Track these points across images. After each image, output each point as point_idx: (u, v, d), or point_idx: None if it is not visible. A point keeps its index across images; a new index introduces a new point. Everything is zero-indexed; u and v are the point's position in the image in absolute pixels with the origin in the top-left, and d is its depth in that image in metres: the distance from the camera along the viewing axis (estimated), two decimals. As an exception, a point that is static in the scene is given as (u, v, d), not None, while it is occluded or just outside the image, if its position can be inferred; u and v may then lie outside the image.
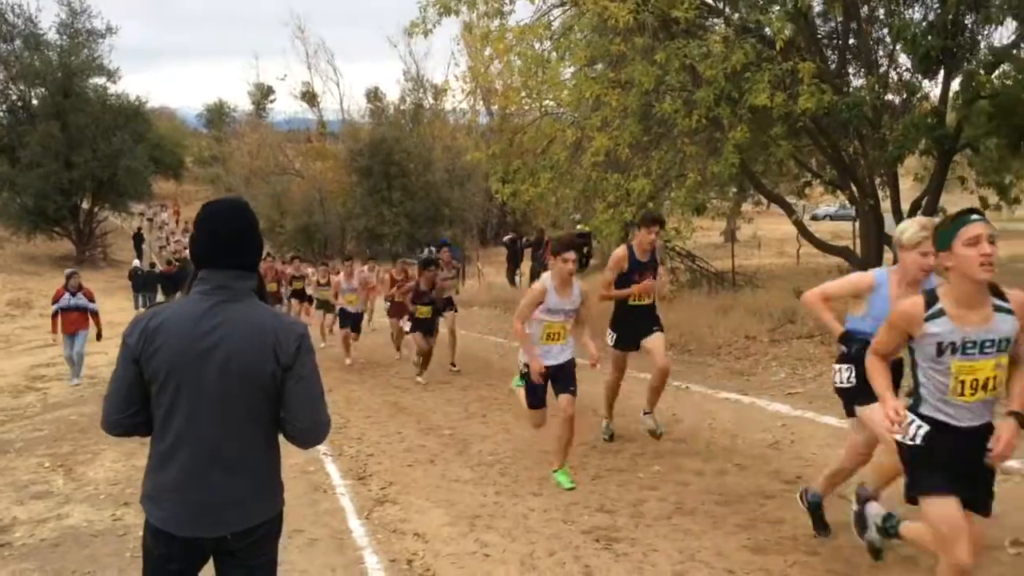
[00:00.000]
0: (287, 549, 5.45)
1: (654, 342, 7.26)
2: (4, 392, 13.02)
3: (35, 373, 14.99)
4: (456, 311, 12.90)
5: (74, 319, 13.78)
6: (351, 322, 13.95)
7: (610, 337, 7.51)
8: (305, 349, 2.80)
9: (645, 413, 7.49)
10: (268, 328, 2.75)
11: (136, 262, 32.33)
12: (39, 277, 32.56)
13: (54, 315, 13.74)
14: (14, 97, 36.47)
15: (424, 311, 11.61)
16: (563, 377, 6.46)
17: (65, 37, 36.11)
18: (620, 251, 7.20)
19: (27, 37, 35.51)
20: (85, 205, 38.09)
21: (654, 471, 6.73)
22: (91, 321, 13.90)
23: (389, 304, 14.57)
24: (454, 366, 12.42)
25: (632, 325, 7.33)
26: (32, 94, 36.34)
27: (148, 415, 2.77)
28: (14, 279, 31.16)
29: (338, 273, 15.42)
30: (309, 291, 17.82)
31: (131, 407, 2.75)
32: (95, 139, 35.15)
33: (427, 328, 11.77)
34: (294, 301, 18.29)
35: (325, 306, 16.03)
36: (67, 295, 13.80)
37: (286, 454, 7.64)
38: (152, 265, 31.67)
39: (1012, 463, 6.09)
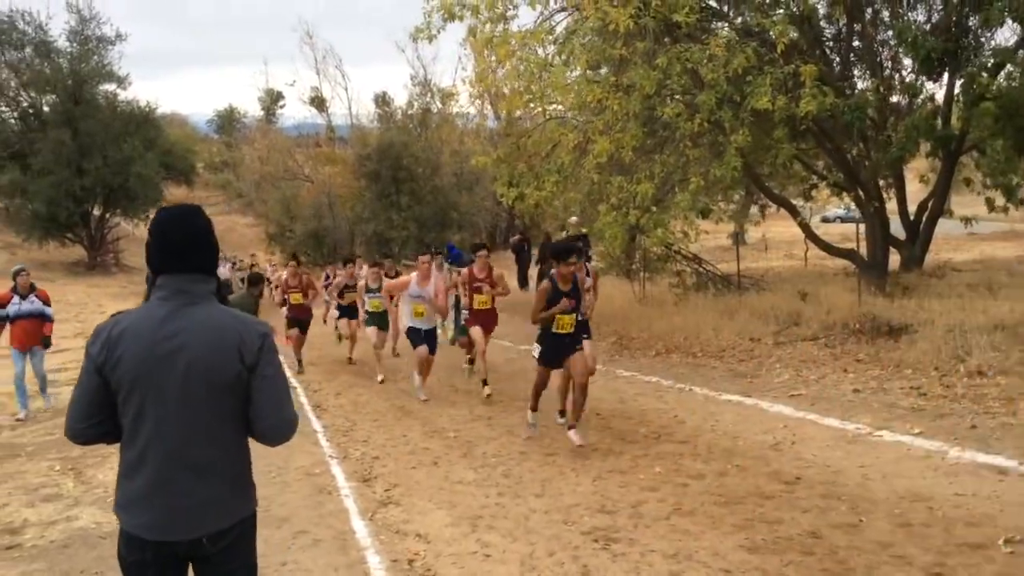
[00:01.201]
0: (291, 549, 5.56)
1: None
2: (15, 397, 13.09)
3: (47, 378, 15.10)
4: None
5: (28, 329, 11.02)
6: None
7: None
8: (268, 348, 2.80)
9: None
10: (230, 329, 2.76)
11: None
12: (52, 283, 32.70)
13: None
14: (25, 104, 36.69)
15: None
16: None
17: (75, 44, 36.32)
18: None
19: (37, 44, 35.73)
20: (96, 211, 38.30)
21: (655, 472, 6.79)
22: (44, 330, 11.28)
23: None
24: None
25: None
26: (43, 101, 36.53)
27: (113, 424, 2.77)
28: (26, 285, 31.38)
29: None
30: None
31: (94, 416, 2.75)
32: (106, 146, 35.32)
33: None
34: (341, 321, 14.67)
35: (380, 321, 12.72)
36: (16, 299, 10.97)
37: (293, 457, 7.75)
38: None
39: (1008, 462, 6.15)
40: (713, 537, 5.30)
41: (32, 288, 11.05)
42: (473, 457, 7.75)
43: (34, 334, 11.04)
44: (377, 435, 8.96)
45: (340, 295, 14.25)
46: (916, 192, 16.42)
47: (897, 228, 15.32)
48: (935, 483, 5.94)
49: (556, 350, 7.87)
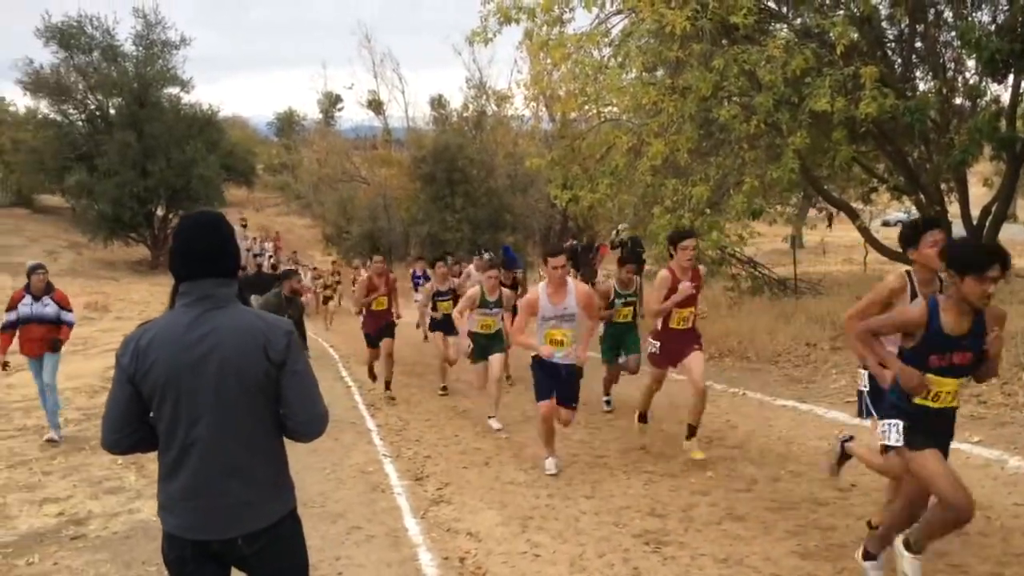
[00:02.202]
0: (345, 544, 5.65)
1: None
2: (81, 392, 13.44)
3: (111, 375, 15.46)
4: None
5: (39, 335, 9.40)
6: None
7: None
8: (294, 345, 2.85)
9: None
10: (256, 330, 2.81)
11: None
12: (115, 282, 33.60)
13: (4, 329, 9.53)
14: (92, 107, 37.66)
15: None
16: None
17: (141, 48, 37.18)
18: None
19: (105, 49, 36.66)
20: (160, 212, 39.18)
21: (707, 476, 6.76)
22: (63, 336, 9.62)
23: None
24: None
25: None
26: (109, 104, 37.46)
27: (147, 431, 2.84)
28: (91, 284, 32.20)
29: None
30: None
31: (128, 426, 2.82)
32: (169, 147, 36.11)
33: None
34: (437, 335, 11.72)
35: (490, 348, 9.78)
36: (28, 299, 9.45)
37: (348, 455, 7.88)
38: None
39: (988, 452, 6.05)
40: (765, 542, 5.27)
41: (49, 289, 9.59)
42: (523, 458, 7.79)
43: (44, 338, 9.45)
44: (429, 434, 9.05)
45: (432, 305, 11.75)
46: (979, 196, 16.02)
47: (959, 232, 14.99)
48: (994, 492, 5.82)
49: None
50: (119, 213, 35.52)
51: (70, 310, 9.84)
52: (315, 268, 33.07)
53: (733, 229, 15.92)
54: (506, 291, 10.10)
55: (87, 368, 16.72)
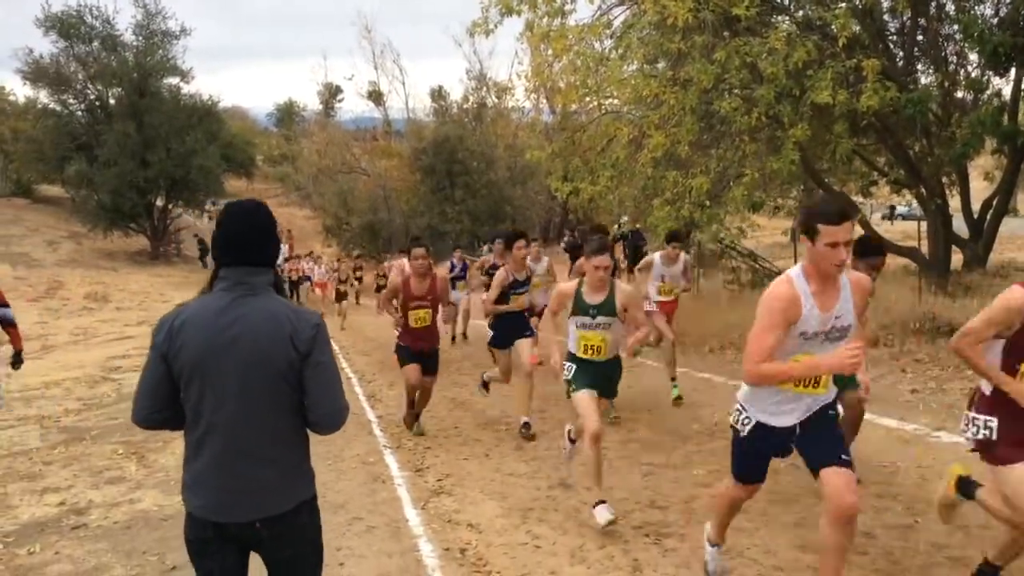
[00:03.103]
0: (346, 535, 5.66)
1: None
2: (81, 382, 13.47)
3: (111, 364, 15.54)
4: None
5: None
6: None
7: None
8: (321, 338, 2.91)
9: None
10: (284, 319, 2.86)
11: None
12: (115, 272, 33.62)
13: None
14: (92, 97, 37.63)
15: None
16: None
17: (141, 38, 37.14)
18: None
19: (105, 38, 36.62)
20: (159, 202, 39.16)
21: (708, 469, 6.77)
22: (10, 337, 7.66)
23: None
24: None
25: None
26: (109, 94, 37.43)
27: (176, 410, 2.90)
28: (91, 274, 32.23)
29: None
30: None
31: (158, 402, 2.88)
32: (169, 138, 36.10)
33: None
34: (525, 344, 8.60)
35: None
36: None
37: (349, 446, 7.88)
38: None
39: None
40: (766, 534, 5.28)
41: None
42: (524, 450, 7.80)
43: None
44: (429, 426, 9.05)
45: (503, 299, 8.58)
46: (980, 189, 16.02)
47: (960, 226, 14.99)
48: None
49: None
50: (119, 203, 35.53)
51: (6, 305, 7.70)
52: (339, 260, 31.23)
53: (732, 221, 15.93)
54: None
55: (87, 358, 16.76)
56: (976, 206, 14.77)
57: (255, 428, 2.84)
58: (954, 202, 15.09)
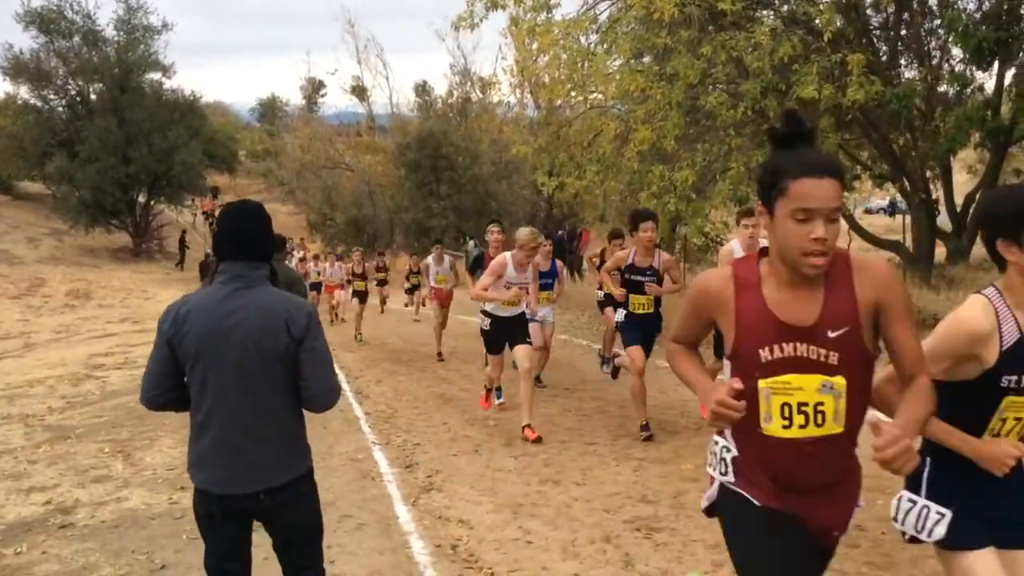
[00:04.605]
0: (336, 533, 5.63)
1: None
2: (65, 380, 13.34)
3: (94, 362, 15.40)
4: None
5: None
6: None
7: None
8: (314, 325, 3.17)
9: None
10: (279, 307, 3.14)
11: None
12: (98, 269, 33.40)
13: None
14: (73, 92, 37.34)
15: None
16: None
17: (122, 33, 36.91)
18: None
19: (86, 33, 36.35)
20: (141, 199, 38.91)
21: (696, 464, 6.78)
22: None
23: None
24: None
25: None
26: (90, 89, 37.15)
27: (181, 392, 3.19)
28: (73, 271, 32.00)
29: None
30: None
31: (164, 384, 3.16)
32: (151, 134, 35.87)
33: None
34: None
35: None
36: None
37: (337, 443, 7.84)
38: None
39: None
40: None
41: None
42: (514, 446, 7.78)
43: None
44: (418, 422, 9.03)
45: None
46: (963, 183, 16.14)
47: (943, 219, 15.09)
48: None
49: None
50: (100, 199, 35.28)
51: None
52: (359, 251, 24.49)
53: (718, 216, 15.97)
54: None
55: (70, 356, 16.63)
56: (959, 200, 14.88)
57: (255, 408, 3.11)
58: (937, 195, 15.21)
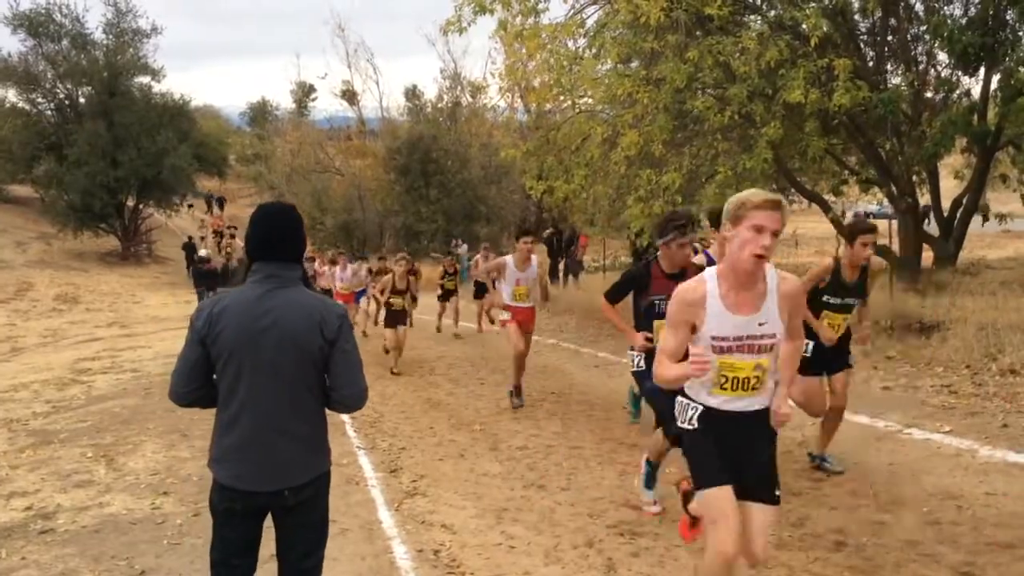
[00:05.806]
0: (318, 538, 5.60)
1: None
2: (50, 384, 13.27)
3: (80, 367, 15.33)
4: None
5: None
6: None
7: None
8: (346, 327, 3.26)
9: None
10: (314, 309, 3.21)
11: (204, 252, 30.04)
12: (86, 273, 33.26)
13: None
14: (61, 96, 37.16)
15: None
16: None
17: (111, 37, 36.75)
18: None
19: (74, 37, 36.18)
20: (130, 202, 38.74)
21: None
22: None
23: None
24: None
25: None
26: (79, 93, 36.97)
27: (209, 390, 3.24)
28: (61, 275, 31.84)
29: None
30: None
31: (194, 382, 3.22)
32: (140, 137, 35.72)
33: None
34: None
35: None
36: None
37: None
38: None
39: (959, 442, 6.09)
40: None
41: None
42: (499, 451, 7.77)
43: None
44: (404, 427, 9.01)
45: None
46: (950, 188, 16.18)
47: (933, 225, 15.12)
48: (965, 481, 5.88)
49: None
50: (89, 203, 35.12)
51: None
52: (405, 258, 19.26)
53: (705, 222, 15.95)
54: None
55: (56, 360, 16.55)
56: (946, 204, 14.92)
57: (284, 407, 3.18)
58: (923, 200, 15.24)
